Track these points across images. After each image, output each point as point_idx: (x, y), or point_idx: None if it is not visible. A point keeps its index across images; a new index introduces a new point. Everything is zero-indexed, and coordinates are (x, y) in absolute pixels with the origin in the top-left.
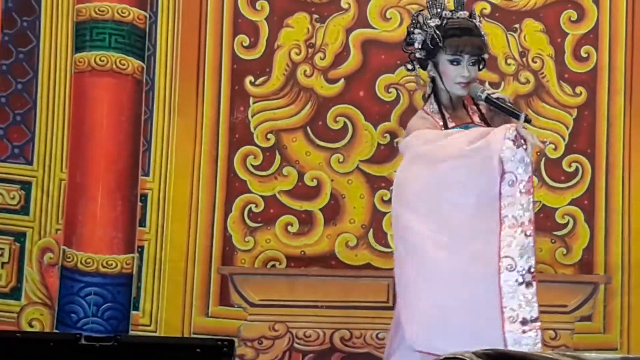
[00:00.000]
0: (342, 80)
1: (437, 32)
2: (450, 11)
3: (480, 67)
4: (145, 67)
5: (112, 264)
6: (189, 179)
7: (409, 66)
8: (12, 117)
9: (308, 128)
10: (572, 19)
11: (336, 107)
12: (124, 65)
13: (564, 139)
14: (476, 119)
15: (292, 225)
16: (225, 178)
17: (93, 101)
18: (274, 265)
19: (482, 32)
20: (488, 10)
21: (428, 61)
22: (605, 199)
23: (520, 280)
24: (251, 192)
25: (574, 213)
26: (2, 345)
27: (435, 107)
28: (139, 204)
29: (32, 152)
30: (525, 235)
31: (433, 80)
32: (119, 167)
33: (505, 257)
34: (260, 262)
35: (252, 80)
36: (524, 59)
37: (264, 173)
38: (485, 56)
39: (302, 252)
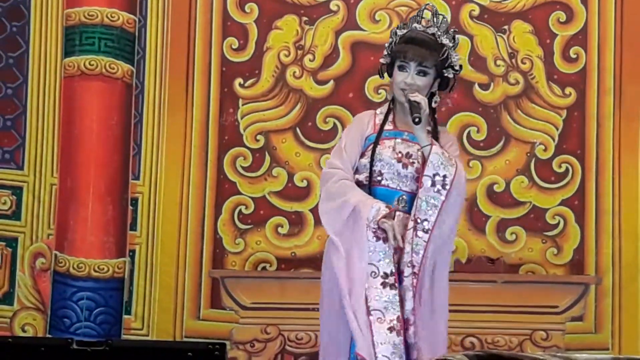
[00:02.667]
0: (332, 81)
1: (397, 40)
2: (424, 26)
3: (443, 84)
4: (134, 70)
5: (104, 269)
6: (179, 181)
7: (380, 74)
8: (3, 122)
9: (297, 129)
10: (561, 20)
11: (325, 108)
12: (113, 69)
13: (553, 140)
14: None
15: (282, 226)
16: (215, 180)
17: (83, 105)
18: (264, 267)
19: (446, 50)
20: (477, 12)
21: (391, 68)
22: (595, 200)
23: None
24: (241, 194)
25: (565, 213)
26: None
27: (385, 109)
28: (130, 207)
29: (23, 157)
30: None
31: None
32: (110, 171)
33: None
34: (251, 264)
35: (242, 82)
36: (513, 60)
37: (253, 174)
38: (449, 74)
39: (293, 254)
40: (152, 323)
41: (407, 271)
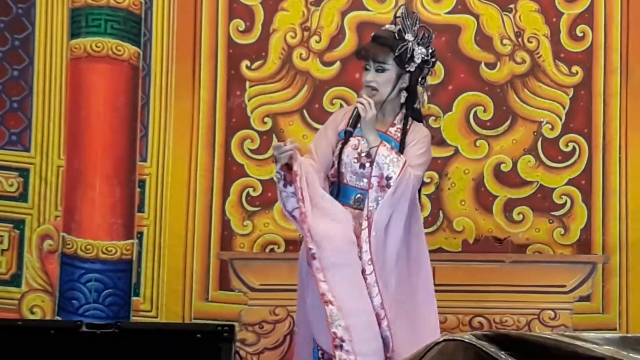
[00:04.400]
0: (338, 62)
1: None
2: (395, 25)
3: (414, 78)
4: (141, 52)
5: (111, 250)
6: (186, 164)
7: None
8: (9, 104)
9: (304, 111)
10: None
11: (332, 90)
12: (120, 51)
13: (560, 119)
14: (391, 130)
15: None
16: (223, 162)
17: (89, 87)
18: (272, 249)
19: (404, 45)
20: None
21: None
22: (602, 179)
23: None
24: (249, 176)
25: (572, 193)
26: (4, 334)
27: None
28: (137, 189)
29: (30, 138)
30: None
31: None
32: (117, 153)
33: None
34: (259, 246)
35: (248, 64)
36: (520, 39)
37: (261, 157)
38: (411, 68)
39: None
40: (160, 305)
41: (368, 269)
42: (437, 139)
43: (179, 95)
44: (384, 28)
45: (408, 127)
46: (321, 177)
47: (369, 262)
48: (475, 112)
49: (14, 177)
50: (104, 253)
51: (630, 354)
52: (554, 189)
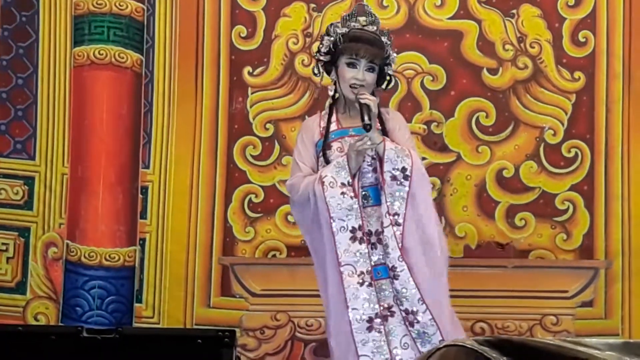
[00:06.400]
0: None
1: (341, 38)
2: (362, 25)
3: (386, 83)
4: (144, 59)
5: (115, 257)
6: (189, 170)
7: (315, 70)
8: (14, 112)
9: (307, 117)
10: (570, 3)
11: None
12: (122, 58)
13: (562, 125)
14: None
15: (292, 214)
16: (225, 169)
17: (93, 95)
18: (274, 255)
19: (386, 48)
20: None
21: (332, 66)
22: (604, 184)
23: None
24: (251, 183)
25: (574, 199)
26: (6, 339)
27: (327, 110)
28: (140, 196)
29: (34, 147)
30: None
31: (335, 84)
32: (120, 161)
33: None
34: (261, 252)
35: (250, 70)
36: (522, 45)
37: (263, 163)
38: (389, 71)
39: (303, 242)
40: (162, 311)
41: (399, 266)
42: (439, 145)
43: (181, 102)
44: (360, 27)
45: (384, 115)
46: None
47: (400, 259)
48: (478, 117)
49: (19, 185)
50: (107, 260)
51: None
52: (556, 194)
